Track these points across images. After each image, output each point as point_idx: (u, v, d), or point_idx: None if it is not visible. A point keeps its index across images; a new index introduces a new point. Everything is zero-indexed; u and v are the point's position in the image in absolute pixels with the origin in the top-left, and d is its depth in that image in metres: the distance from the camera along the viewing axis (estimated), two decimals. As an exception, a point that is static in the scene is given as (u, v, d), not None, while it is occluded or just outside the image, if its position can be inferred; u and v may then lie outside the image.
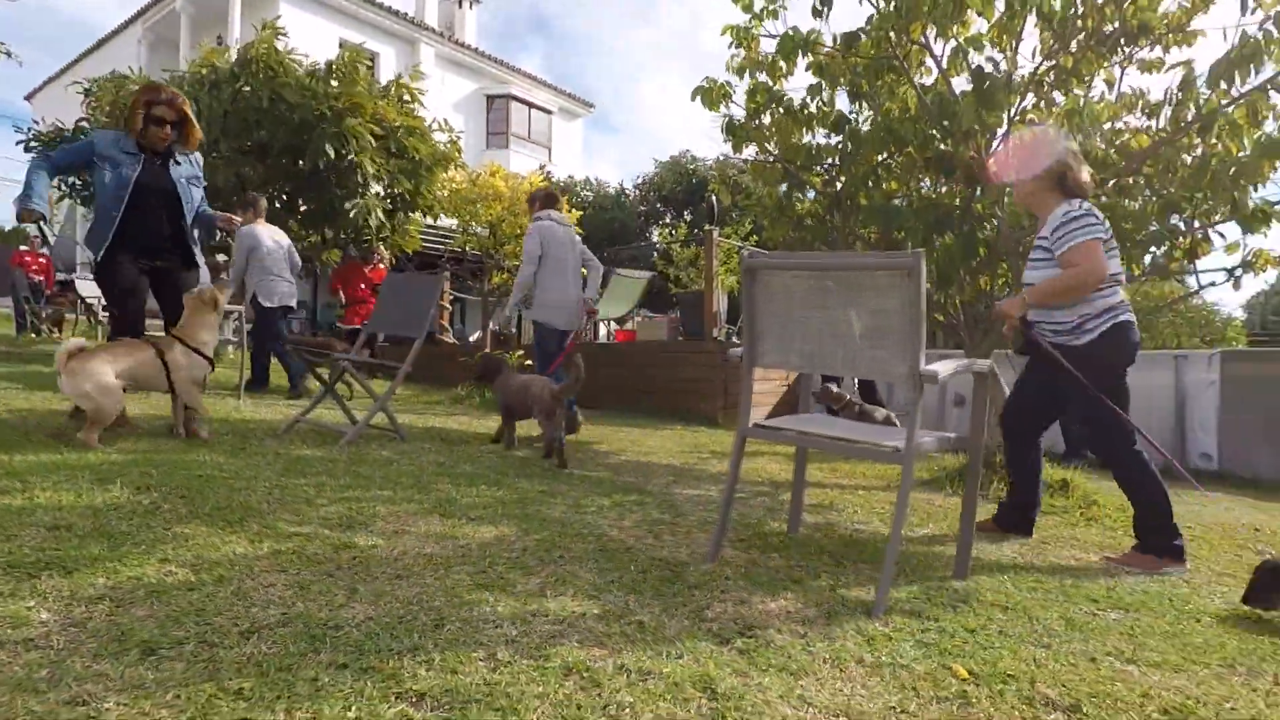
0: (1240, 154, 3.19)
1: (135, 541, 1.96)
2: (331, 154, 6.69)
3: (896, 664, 1.62)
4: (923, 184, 4.45)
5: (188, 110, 3.68)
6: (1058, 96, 3.89)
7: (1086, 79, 3.64)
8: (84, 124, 7.53)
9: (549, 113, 22.08)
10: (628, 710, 1.29)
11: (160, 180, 3.62)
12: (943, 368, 1.97)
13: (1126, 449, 2.80)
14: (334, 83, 6.61)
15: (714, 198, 6.03)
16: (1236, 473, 5.91)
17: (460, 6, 21.43)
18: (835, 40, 3.80)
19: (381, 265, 8.17)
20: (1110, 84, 4.01)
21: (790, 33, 3.70)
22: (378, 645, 1.45)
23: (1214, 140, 3.46)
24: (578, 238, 5.23)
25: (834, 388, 6.31)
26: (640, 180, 17.63)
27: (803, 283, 2.17)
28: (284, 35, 6.71)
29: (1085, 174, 2.76)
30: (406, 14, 18.66)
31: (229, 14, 15.62)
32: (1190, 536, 3.46)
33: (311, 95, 6.55)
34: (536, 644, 1.53)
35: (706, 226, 6.85)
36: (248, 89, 6.28)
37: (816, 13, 3.71)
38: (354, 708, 1.21)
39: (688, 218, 16.21)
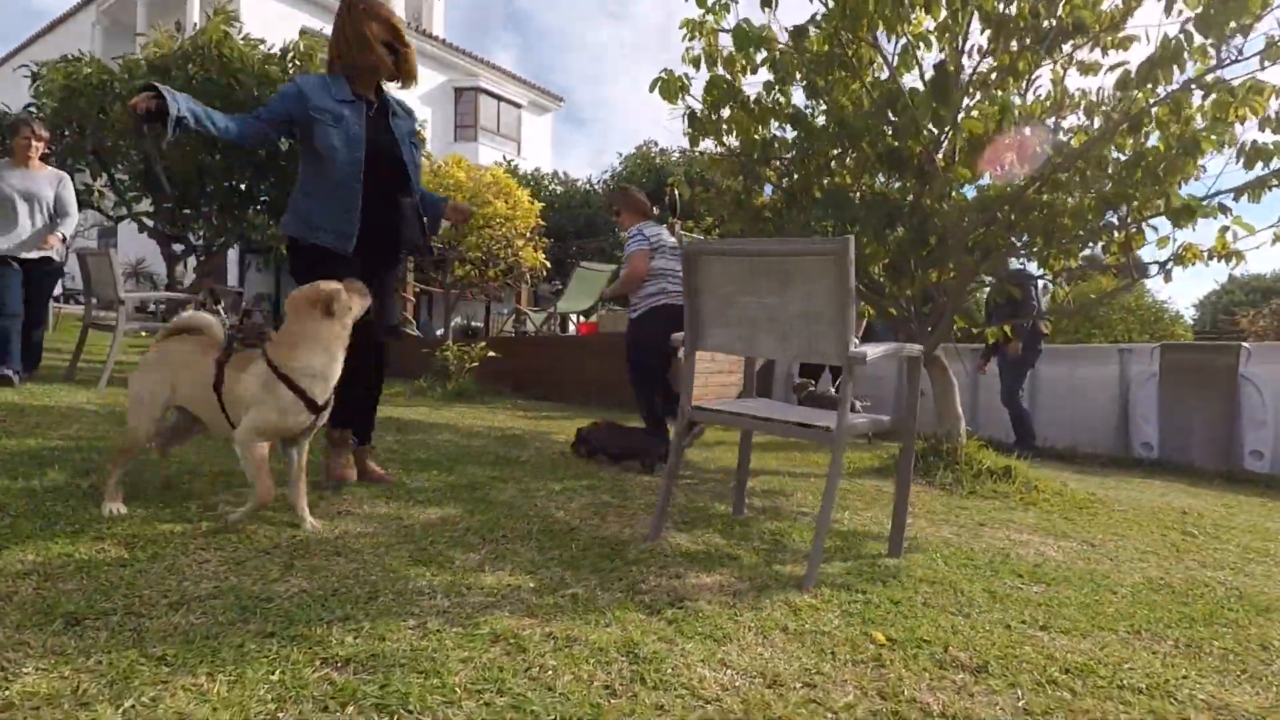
0: (1171, 151, 3.33)
1: (70, 521, 1.95)
2: (288, 142, 6.60)
3: (819, 631, 1.68)
4: (876, 179, 4.55)
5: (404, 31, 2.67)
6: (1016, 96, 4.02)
7: (1027, 77, 3.75)
8: (31, 109, 7.32)
9: (518, 106, 21.98)
10: (550, 672, 1.33)
11: (386, 139, 2.64)
12: (871, 350, 2.05)
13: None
14: (290, 68, 6.52)
15: (674, 191, 6.06)
16: (1175, 461, 6.14)
17: (428, -3, 21.20)
18: (786, 34, 3.87)
19: None
20: (1056, 83, 4.14)
21: (744, 25, 3.76)
22: (308, 615, 1.48)
23: (1142, 139, 3.60)
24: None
25: (812, 384, 6.47)
26: (608, 173, 17.65)
27: (739, 269, 2.22)
28: (237, 21, 6.59)
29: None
30: (372, 3, 18.38)
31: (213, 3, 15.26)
32: (1123, 518, 3.62)
33: (269, 81, 6.46)
34: (467, 614, 1.56)
35: (670, 219, 6.90)
36: (201, 75, 6.16)
37: (765, 3, 3.78)
38: (278, 672, 1.24)
39: (656, 212, 16.23)
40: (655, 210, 4.41)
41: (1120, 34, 3.80)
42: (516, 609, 1.62)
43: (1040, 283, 6.05)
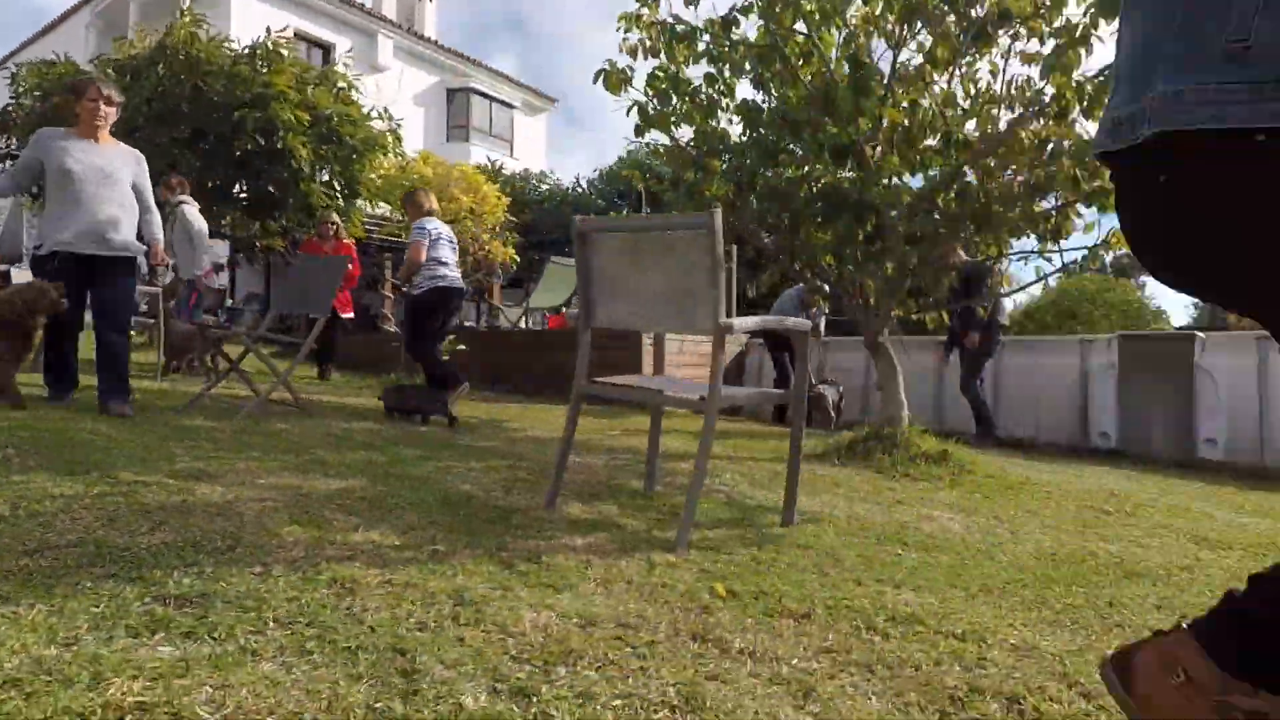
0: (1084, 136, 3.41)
1: (-33, 486, 2.04)
2: (262, 140, 6.71)
3: (664, 585, 1.76)
4: (817, 169, 4.62)
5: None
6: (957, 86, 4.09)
7: (946, 66, 3.82)
8: (9, 106, 7.46)
9: (511, 107, 22.09)
10: (369, 612, 1.41)
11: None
12: (741, 322, 2.12)
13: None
14: (260, 67, 6.63)
15: (644, 186, 6.15)
16: (1132, 450, 6.18)
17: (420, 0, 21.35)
18: (715, 26, 3.95)
19: (345, 239, 7.34)
20: (995, 74, 4.22)
21: (671, 20, 3.84)
22: (158, 562, 1.56)
23: (1068, 126, 3.67)
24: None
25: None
26: (596, 173, 17.75)
27: (625, 244, 2.30)
28: (206, 24, 6.70)
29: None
30: (364, 5, 18.56)
31: (179, 1, 15.42)
32: (1046, 498, 3.68)
33: (239, 81, 6.57)
34: (315, 564, 1.64)
35: (642, 213, 6.99)
36: (169, 75, 6.28)
37: (689, 1, 3.87)
38: (103, 605, 1.32)
39: (648, 211, 16.31)
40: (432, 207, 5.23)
41: (1055, 24, 3.86)
42: (369, 561, 1.71)
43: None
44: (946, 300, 6.27)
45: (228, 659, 1.17)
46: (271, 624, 1.32)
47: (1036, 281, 3.94)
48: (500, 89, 21.65)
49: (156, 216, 4.04)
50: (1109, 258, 4.04)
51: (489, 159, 16.64)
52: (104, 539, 1.68)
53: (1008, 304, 6.86)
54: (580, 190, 15.88)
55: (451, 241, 5.01)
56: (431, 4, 21.75)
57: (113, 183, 3.74)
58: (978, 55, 4.09)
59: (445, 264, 4.88)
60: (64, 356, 3.89)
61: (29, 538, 1.64)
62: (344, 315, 6.91)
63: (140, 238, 3.96)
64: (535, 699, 1.13)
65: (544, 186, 16.14)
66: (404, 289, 4.95)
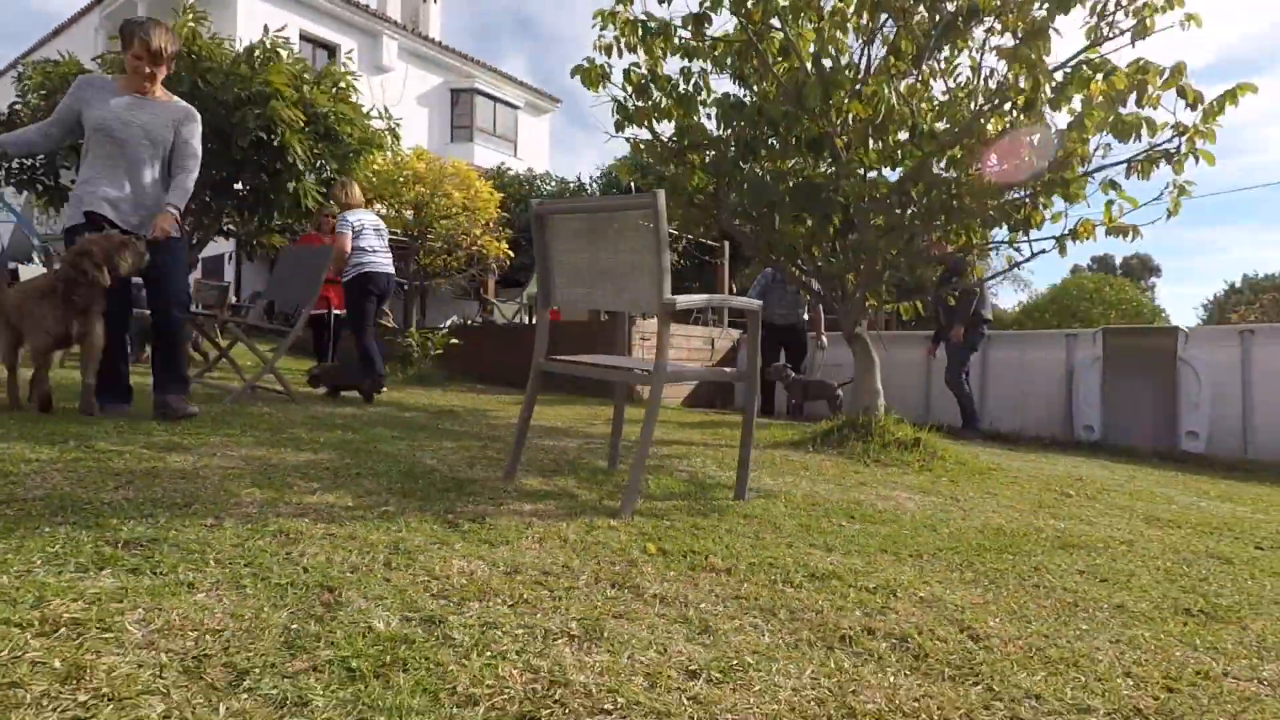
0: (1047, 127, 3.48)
1: (-50, 452, 2.16)
2: (263, 135, 6.84)
3: (598, 544, 1.85)
4: (790, 163, 4.70)
5: None
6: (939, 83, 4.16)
7: (935, 59, 3.89)
8: (17, 106, 7.62)
9: (515, 107, 22.25)
10: (305, 557, 1.51)
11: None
12: (683, 299, 2.22)
13: None
14: (258, 65, 6.77)
15: (631, 181, 6.25)
16: (1115, 443, 6.23)
17: (425, 1, 21.52)
18: (687, 24, 4.05)
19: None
20: (974, 69, 4.29)
21: (644, 18, 3.94)
22: (116, 514, 1.67)
23: (1038, 118, 3.74)
24: None
25: (790, 371, 6.72)
26: (599, 172, 17.86)
27: (579, 226, 2.40)
28: (206, 21, 6.85)
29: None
30: (369, 6, 18.75)
31: (185, 3, 15.63)
32: (1011, 483, 3.74)
33: (238, 80, 6.71)
34: (265, 519, 1.75)
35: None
36: (168, 73, 6.42)
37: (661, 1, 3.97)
38: (58, 546, 1.43)
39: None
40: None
41: (1029, 21, 3.94)
42: (317, 518, 1.81)
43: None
44: (933, 291, 6.36)
45: (164, 589, 1.27)
46: (212, 563, 1.42)
47: (1008, 270, 4.00)
48: (504, 89, 21.81)
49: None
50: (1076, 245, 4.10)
51: (492, 160, 16.75)
52: (69, 494, 1.79)
53: (991, 298, 6.90)
54: (583, 189, 15.99)
55: (378, 230, 5.39)
56: (436, 5, 21.94)
57: (158, 146, 3.27)
58: (953, 49, 4.17)
59: (370, 251, 5.27)
60: (115, 366, 3.33)
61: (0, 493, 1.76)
62: (341, 311, 7.05)
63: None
64: (442, 625, 1.23)
65: (547, 187, 16.25)
66: (340, 279, 5.37)
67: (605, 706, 1.02)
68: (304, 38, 17.04)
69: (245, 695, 0.96)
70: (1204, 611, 1.73)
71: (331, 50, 17.84)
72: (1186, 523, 2.96)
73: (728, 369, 2.54)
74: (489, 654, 1.14)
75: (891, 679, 1.20)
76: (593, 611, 1.37)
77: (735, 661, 1.21)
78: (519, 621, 1.29)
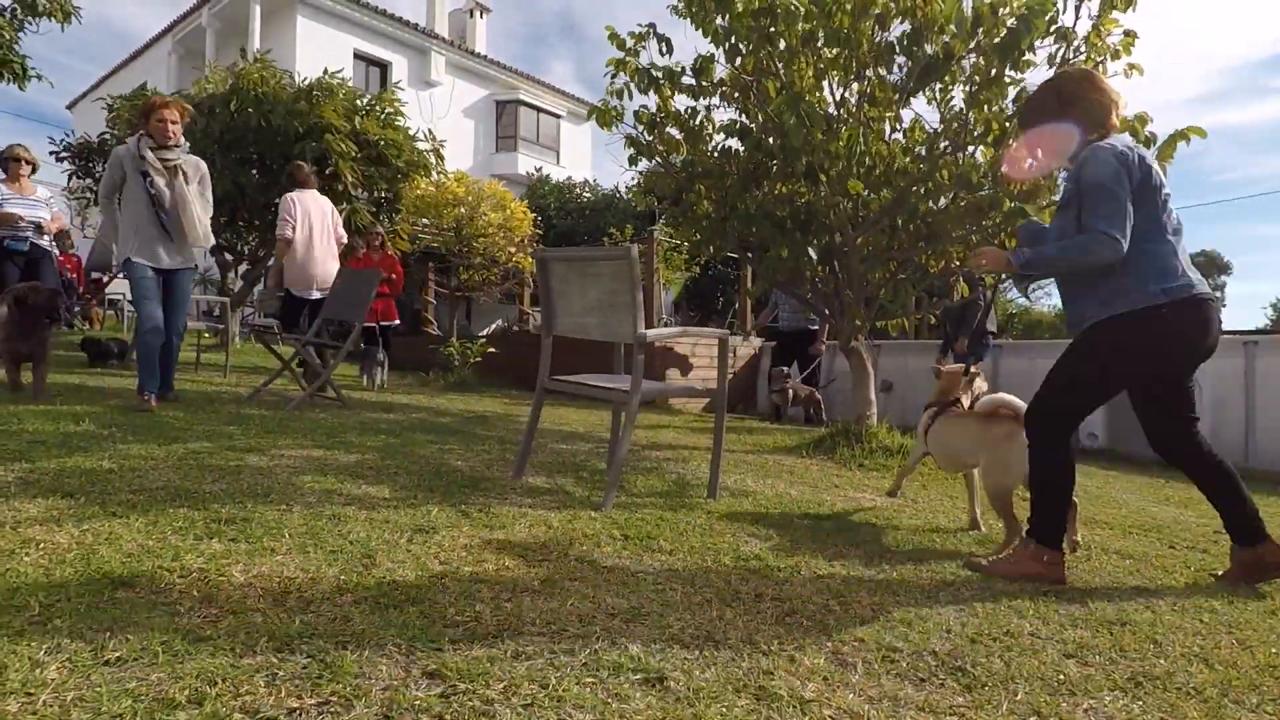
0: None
1: (86, 451, 2.80)
2: (314, 166, 7.60)
3: (576, 529, 2.36)
4: (790, 187, 5.13)
5: None
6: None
7: (887, 103, 4.30)
8: (106, 136, 8.56)
9: (557, 117, 22.99)
10: (351, 533, 2.07)
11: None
12: (654, 332, 2.72)
13: None
14: (315, 101, 7.53)
15: (641, 206, 6.77)
16: (1118, 450, 6.47)
17: (471, 16, 22.42)
18: (687, 70, 4.53)
19: (391, 251, 8.07)
20: (969, 103, 4.68)
21: (649, 67, 4.44)
22: (216, 499, 2.26)
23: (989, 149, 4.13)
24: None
25: (786, 372, 7.19)
26: (636, 180, 18.40)
27: (572, 269, 2.92)
28: (272, 64, 7.64)
29: None
30: (418, 24, 19.68)
31: (250, 28, 16.77)
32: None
33: (298, 115, 7.47)
34: (321, 505, 2.32)
35: (649, 228, 7.60)
36: (239, 112, 7.23)
37: (663, 54, 4.47)
38: (180, 522, 2.01)
39: (653, 228, 16.87)
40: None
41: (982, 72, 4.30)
42: (360, 505, 2.37)
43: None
44: (938, 306, 6.69)
45: (255, 552, 1.84)
46: (286, 535, 1.99)
47: (989, 288, 4.37)
48: (546, 99, 22.56)
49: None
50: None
51: (535, 168, 17.51)
52: (181, 485, 2.39)
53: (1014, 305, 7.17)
54: (619, 196, 16.55)
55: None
56: (482, 20, 22.81)
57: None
58: (938, 92, 4.56)
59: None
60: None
61: (132, 484, 2.37)
62: (388, 323, 7.76)
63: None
64: (442, 579, 1.77)
65: (586, 195, 16.89)
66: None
67: (552, 633, 1.54)
68: (357, 56, 18.06)
69: (311, 614, 1.50)
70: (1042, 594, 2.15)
71: (383, 67, 18.82)
72: (1112, 523, 3.31)
73: (697, 385, 3.02)
74: (471, 598, 1.67)
75: (760, 626, 1.69)
76: (550, 574, 1.89)
77: (645, 610, 1.71)
78: (498, 579, 1.81)
